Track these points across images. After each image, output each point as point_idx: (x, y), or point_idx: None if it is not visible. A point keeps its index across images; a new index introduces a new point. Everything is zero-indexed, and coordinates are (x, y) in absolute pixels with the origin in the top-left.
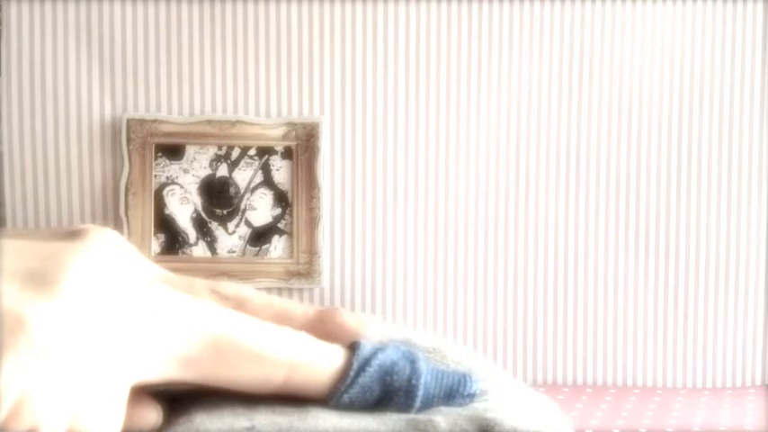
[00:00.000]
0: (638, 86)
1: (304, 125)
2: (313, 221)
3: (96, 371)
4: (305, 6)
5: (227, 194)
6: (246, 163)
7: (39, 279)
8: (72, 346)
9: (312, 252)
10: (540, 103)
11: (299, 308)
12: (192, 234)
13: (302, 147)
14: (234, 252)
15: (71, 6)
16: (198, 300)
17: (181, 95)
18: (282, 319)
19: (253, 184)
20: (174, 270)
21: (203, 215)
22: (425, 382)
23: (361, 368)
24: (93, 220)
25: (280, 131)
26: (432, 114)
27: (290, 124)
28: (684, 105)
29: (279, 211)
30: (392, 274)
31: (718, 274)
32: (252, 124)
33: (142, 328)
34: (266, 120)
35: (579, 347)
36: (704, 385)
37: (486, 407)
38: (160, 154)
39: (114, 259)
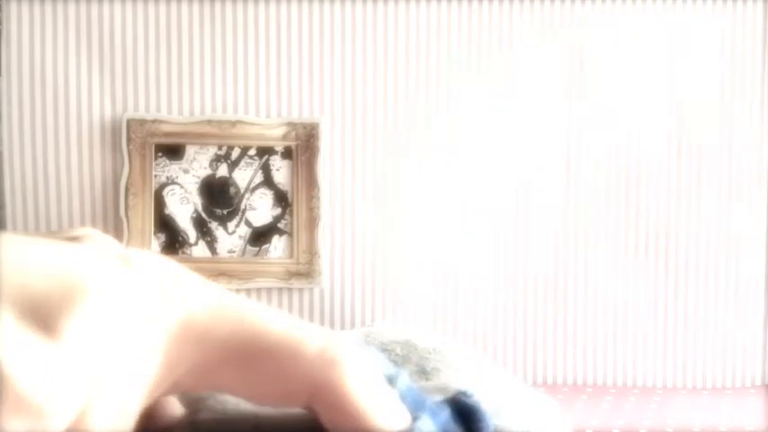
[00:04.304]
0: (639, 88)
1: (304, 125)
2: (313, 221)
3: (101, 413)
4: (305, 6)
5: (227, 194)
6: (246, 163)
7: (40, 316)
8: (74, 391)
9: (312, 252)
10: (541, 103)
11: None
12: (192, 234)
13: (302, 147)
14: (234, 252)
15: (71, 6)
16: (229, 309)
17: (181, 95)
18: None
19: (253, 184)
20: None
21: (203, 215)
22: None
23: None
24: (94, 220)
25: (280, 131)
26: (432, 114)
27: (290, 124)
28: (684, 106)
29: (279, 211)
30: (392, 274)
31: (717, 274)
32: (252, 124)
33: (151, 358)
34: (266, 120)
35: (579, 347)
36: (704, 385)
37: (485, 407)
38: (160, 154)
39: (137, 288)
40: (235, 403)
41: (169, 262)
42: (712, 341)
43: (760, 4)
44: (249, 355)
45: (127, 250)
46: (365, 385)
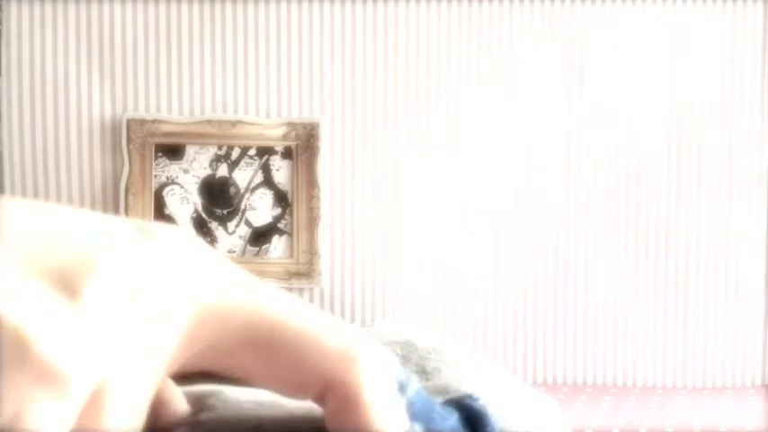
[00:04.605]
0: (638, 88)
1: (304, 125)
2: (313, 221)
3: (114, 384)
4: (305, 6)
5: (227, 194)
6: (246, 163)
7: (61, 281)
8: (89, 361)
9: (312, 252)
10: (541, 103)
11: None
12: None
13: (302, 147)
14: (234, 252)
15: (71, 7)
16: (250, 294)
17: (181, 95)
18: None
19: (253, 184)
20: None
21: (203, 215)
22: None
23: None
24: None
25: (280, 131)
26: (432, 114)
27: (290, 124)
28: (684, 106)
29: (279, 211)
30: (392, 274)
31: (717, 274)
32: (252, 124)
33: (171, 333)
34: (266, 120)
35: (579, 347)
36: (704, 385)
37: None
38: (160, 154)
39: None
40: (236, 403)
41: (194, 240)
42: (712, 341)
43: (760, 4)
44: (265, 344)
45: (151, 224)
46: (377, 388)
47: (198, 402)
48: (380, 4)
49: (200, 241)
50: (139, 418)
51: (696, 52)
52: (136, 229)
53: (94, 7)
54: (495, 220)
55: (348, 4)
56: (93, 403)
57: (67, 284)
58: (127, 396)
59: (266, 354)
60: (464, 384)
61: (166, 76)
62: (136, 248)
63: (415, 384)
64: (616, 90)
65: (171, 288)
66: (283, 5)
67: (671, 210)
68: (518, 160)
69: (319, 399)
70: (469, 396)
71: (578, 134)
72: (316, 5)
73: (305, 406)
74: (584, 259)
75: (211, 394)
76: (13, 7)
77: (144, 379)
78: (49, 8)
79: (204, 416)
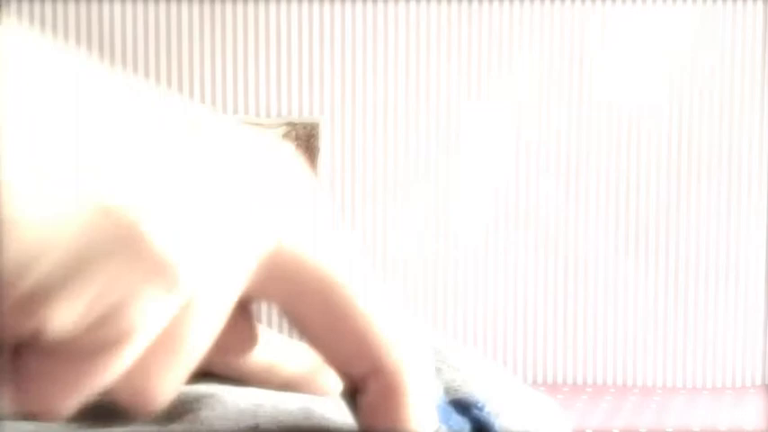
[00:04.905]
0: (638, 88)
1: (304, 125)
2: None
3: (203, 295)
4: (305, 6)
5: None
6: None
7: (183, 173)
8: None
9: None
10: (541, 103)
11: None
12: None
13: (302, 147)
14: None
15: (71, 6)
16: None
17: (181, 95)
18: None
19: None
20: None
21: None
22: None
23: None
24: None
25: (280, 131)
26: (432, 114)
27: (290, 124)
28: (684, 106)
29: None
30: (392, 275)
31: (718, 273)
32: (252, 124)
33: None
34: (266, 120)
35: (579, 347)
36: (704, 385)
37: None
38: None
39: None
40: (236, 403)
41: (306, 176)
42: (712, 341)
43: (760, 5)
44: (329, 311)
45: (275, 144)
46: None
47: (197, 402)
48: (380, 4)
49: (312, 180)
50: (214, 335)
51: (696, 52)
52: (262, 140)
53: (94, 7)
54: (495, 220)
55: (348, 4)
56: (181, 313)
57: (186, 177)
58: (211, 311)
59: (327, 319)
60: (464, 385)
61: (166, 76)
62: (256, 158)
63: (440, 390)
64: (615, 90)
65: (267, 212)
66: (283, 5)
67: (671, 209)
68: (517, 159)
69: (358, 383)
70: (475, 404)
71: (577, 134)
72: (316, 5)
73: (304, 407)
74: (584, 259)
75: (211, 395)
76: (13, 7)
77: (226, 298)
78: (48, 8)
79: (204, 415)
